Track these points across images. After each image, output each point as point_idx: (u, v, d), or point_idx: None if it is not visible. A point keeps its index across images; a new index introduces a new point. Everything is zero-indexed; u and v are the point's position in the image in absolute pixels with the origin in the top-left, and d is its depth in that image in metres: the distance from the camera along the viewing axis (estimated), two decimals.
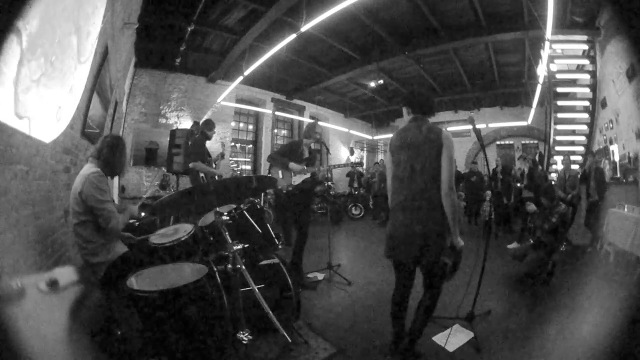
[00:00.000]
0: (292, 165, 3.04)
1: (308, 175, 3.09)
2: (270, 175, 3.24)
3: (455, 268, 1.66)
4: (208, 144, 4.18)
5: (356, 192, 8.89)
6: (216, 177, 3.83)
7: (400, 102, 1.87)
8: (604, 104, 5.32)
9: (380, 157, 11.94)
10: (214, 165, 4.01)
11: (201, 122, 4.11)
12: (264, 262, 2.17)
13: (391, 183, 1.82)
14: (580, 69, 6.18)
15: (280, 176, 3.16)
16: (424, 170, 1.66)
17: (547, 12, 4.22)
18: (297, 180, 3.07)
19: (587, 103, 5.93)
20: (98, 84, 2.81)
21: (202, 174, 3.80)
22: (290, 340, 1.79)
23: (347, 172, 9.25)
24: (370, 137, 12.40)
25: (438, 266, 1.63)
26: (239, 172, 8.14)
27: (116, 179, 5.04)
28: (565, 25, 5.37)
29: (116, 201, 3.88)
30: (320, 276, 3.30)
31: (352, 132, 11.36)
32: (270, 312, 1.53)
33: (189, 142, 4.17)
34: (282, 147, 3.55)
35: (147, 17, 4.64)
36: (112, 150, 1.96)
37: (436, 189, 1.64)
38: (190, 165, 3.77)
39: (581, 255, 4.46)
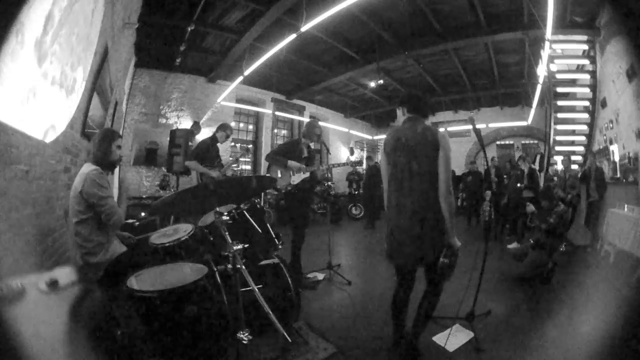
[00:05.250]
0: (291, 163, 3.02)
1: (307, 174, 3.08)
2: (269, 175, 3.23)
3: (451, 268, 1.67)
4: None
5: (356, 192, 8.89)
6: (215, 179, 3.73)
7: (398, 103, 1.86)
8: (604, 104, 5.32)
9: (379, 157, 11.93)
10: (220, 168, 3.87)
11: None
12: (264, 262, 2.18)
13: (387, 184, 1.81)
14: (580, 69, 6.18)
15: (279, 175, 3.15)
16: (421, 171, 1.65)
17: (547, 12, 4.22)
18: (296, 179, 3.06)
19: (587, 103, 5.93)
20: (98, 84, 2.81)
21: (197, 175, 3.72)
22: (290, 340, 1.79)
23: (347, 176, 9.24)
24: (370, 137, 12.40)
25: (438, 267, 1.63)
26: (239, 172, 8.14)
27: (116, 178, 5.04)
28: (565, 25, 5.37)
29: (115, 199, 3.87)
30: (320, 276, 3.30)
31: (352, 132, 11.35)
32: (270, 312, 1.52)
33: (190, 142, 4.10)
34: (280, 146, 3.54)
35: (147, 17, 4.63)
36: (101, 142, 1.97)
37: (434, 189, 1.64)
38: (186, 163, 3.74)
39: (581, 255, 4.46)
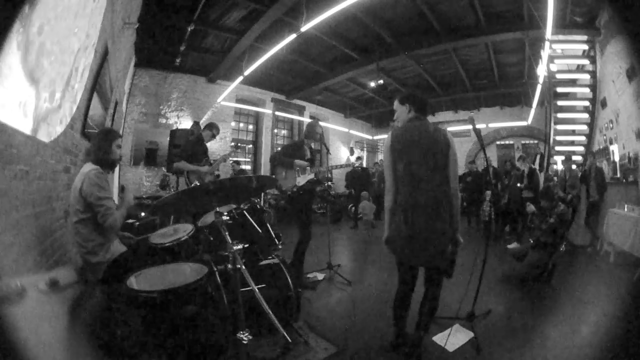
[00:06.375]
0: (298, 161, 3.02)
1: (312, 175, 3.09)
2: (273, 176, 3.22)
3: (454, 264, 1.71)
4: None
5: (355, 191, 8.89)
6: (206, 176, 3.66)
7: (403, 100, 1.85)
8: (604, 104, 5.32)
9: (380, 157, 11.93)
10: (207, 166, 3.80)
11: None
12: (264, 262, 2.18)
13: (394, 182, 1.79)
14: (580, 69, 6.18)
15: (284, 177, 3.14)
16: (435, 169, 1.68)
17: (547, 12, 4.22)
18: (301, 181, 3.06)
19: (587, 103, 5.93)
20: (98, 84, 2.81)
21: (185, 175, 3.67)
22: (290, 340, 1.79)
23: (346, 177, 9.23)
24: (370, 137, 12.41)
25: (446, 263, 1.67)
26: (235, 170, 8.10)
27: (116, 179, 5.04)
28: (565, 25, 5.37)
29: (115, 201, 3.87)
30: (320, 276, 3.30)
31: (352, 132, 11.36)
32: (270, 312, 1.52)
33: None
34: (284, 148, 3.53)
35: (147, 17, 4.63)
36: (102, 141, 1.98)
37: (445, 186, 1.68)
38: (174, 165, 3.71)
39: (581, 255, 4.46)
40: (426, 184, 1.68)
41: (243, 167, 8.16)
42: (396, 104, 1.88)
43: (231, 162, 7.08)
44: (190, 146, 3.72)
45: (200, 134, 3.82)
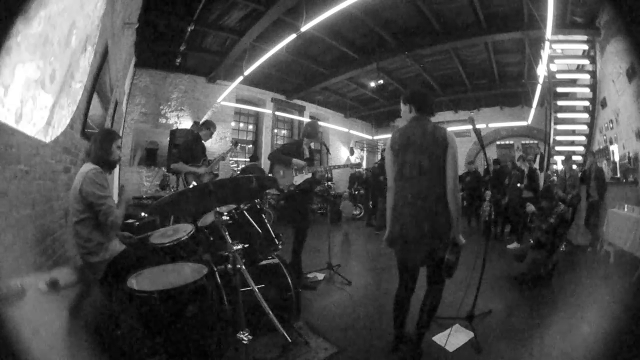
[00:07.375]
0: (296, 160, 3.03)
1: (309, 175, 3.09)
2: (271, 174, 3.23)
3: (455, 265, 1.69)
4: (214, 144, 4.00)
5: (356, 192, 8.88)
6: (204, 177, 3.65)
7: (404, 100, 1.85)
8: (604, 104, 5.32)
9: (380, 156, 11.93)
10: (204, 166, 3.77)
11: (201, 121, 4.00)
12: (264, 262, 2.17)
13: (394, 181, 1.81)
14: (580, 69, 6.18)
15: (282, 175, 3.15)
16: (432, 169, 1.67)
17: (547, 12, 4.22)
18: (298, 180, 3.07)
19: (587, 103, 5.93)
20: (98, 84, 2.81)
21: (182, 176, 3.62)
22: (290, 340, 1.79)
23: (350, 177, 9.20)
24: (370, 137, 12.40)
25: (444, 264, 1.65)
26: (238, 172, 8.11)
27: (115, 179, 5.04)
28: (565, 25, 5.37)
29: (115, 200, 3.85)
30: (320, 276, 3.30)
31: (352, 132, 11.35)
32: (270, 312, 1.52)
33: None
34: (283, 146, 3.53)
35: (147, 17, 4.64)
36: (101, 142, 1.98)
37: (442, 186, 1.67)
38: (172, 166, 3.70)
39: (581, 255, 4.46)
40: (420, 183, 1.69)
41: (243, 167, 8.09)
42: (401, 104, 1.89)
43: (231, 162, 7.06)
44: (187, 147, 3.72)
45: (197, 133, 3.82)
